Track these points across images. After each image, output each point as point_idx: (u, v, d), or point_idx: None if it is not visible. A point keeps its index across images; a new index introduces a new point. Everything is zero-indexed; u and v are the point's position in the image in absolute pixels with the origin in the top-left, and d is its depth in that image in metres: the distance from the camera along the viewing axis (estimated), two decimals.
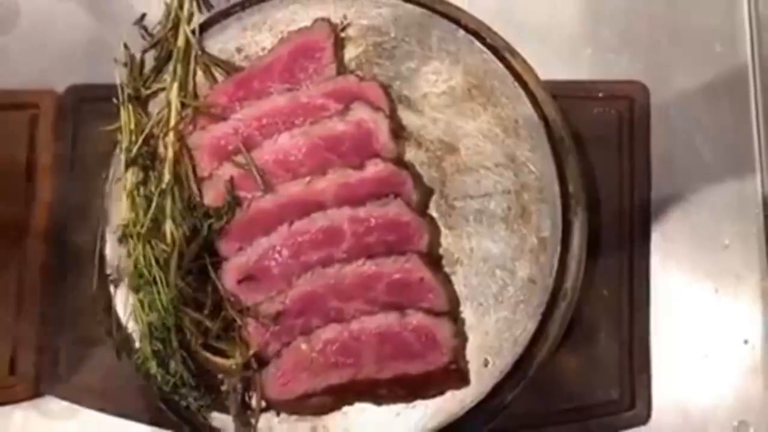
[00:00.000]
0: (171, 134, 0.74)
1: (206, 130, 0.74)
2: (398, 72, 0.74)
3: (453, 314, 0.69)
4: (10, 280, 0.87)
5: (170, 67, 0.76)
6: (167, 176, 0.72)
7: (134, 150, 0.74)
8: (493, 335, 0.69)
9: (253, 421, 0.69)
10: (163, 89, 0.76)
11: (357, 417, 0.69)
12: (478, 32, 0.74)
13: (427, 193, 0.72)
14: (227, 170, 0.73)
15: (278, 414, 0.70)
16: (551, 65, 0.80)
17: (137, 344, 0.71)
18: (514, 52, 0.74)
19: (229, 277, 0.71)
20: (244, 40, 0.78)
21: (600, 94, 0.85)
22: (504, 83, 0.73)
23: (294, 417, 0.70)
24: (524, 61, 0.74)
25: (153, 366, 0.69)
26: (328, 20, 0.75)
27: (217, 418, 0.70)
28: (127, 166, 0.74)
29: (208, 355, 0.70)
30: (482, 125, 0.72)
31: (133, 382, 0.74)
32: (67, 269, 0.86)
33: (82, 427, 0.85)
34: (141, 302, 0.69)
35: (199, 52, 0.77)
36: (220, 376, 0.71)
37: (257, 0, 0.78)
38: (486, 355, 0.69)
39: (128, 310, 0.72)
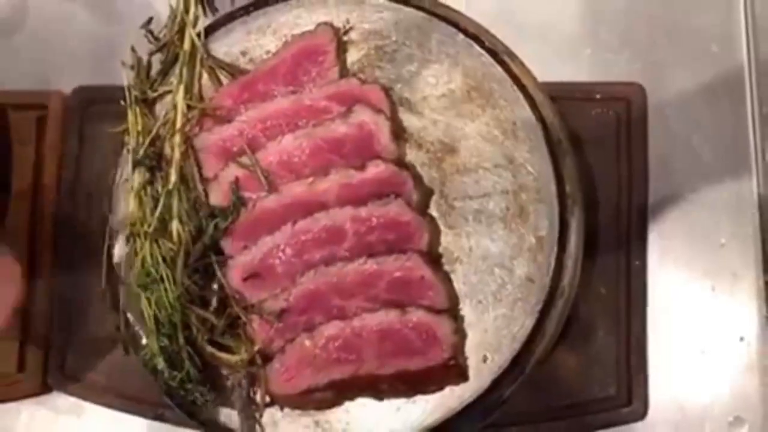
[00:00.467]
0: (177, 136, 0.74)
1: (212, 132, 0.74)
2: (399, 75, 0.74)
3: (453, 311, 0.69)
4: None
5: (176, 70, 0.76)
6: (173, 177, 0.73)
7: (141, 151, 0.74)
8: (491, 332, 0.69)
9: (257, 415, 0.70)
10: (169, 92, 0.76)
11: (358, 412, 0.70)
12: (477, 36, 0.74)
13: (427, 193, 0.72)
14: (232, 171, 0.73)
15: (282, 408, 0.70)
16: (551, 65, 0.80)
17: (144, 341, 0.71)
18: (512, 56, 0.74)
19: (234, 275, 0.71)
20: (249, 43, 0.78)
21: (598, 96, 0.86)
22: (503, 86, 0.73)
23: (297, 411, 0.70)
24: (522, 64, 0.74)
25: (160, 362, 0.69)
26: (330, 24, 0.76)
27: (223, 413, 0.71)
28: (134, 167, 0.74)
29: (214, 351, 0.70)
30: (481, 127, 0.72)
31: (140, 379, 0.74)
32: (74, 267, 0.87)
33: (90, 423, 0.86)
34: (148, 300, 0.70)
35: (205, 56, 0.77)
36: (225, 371, 0.71)
37: (262, 4, 0.78)
38: (485, 352, 0.69)
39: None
